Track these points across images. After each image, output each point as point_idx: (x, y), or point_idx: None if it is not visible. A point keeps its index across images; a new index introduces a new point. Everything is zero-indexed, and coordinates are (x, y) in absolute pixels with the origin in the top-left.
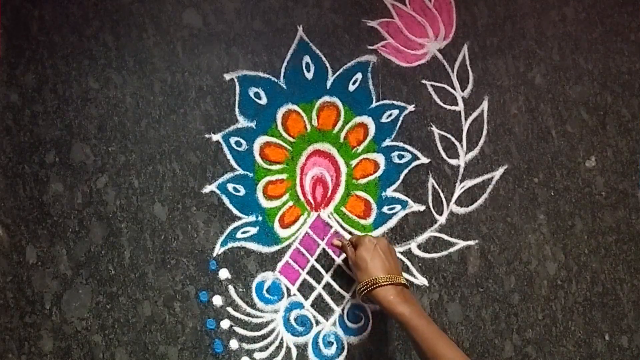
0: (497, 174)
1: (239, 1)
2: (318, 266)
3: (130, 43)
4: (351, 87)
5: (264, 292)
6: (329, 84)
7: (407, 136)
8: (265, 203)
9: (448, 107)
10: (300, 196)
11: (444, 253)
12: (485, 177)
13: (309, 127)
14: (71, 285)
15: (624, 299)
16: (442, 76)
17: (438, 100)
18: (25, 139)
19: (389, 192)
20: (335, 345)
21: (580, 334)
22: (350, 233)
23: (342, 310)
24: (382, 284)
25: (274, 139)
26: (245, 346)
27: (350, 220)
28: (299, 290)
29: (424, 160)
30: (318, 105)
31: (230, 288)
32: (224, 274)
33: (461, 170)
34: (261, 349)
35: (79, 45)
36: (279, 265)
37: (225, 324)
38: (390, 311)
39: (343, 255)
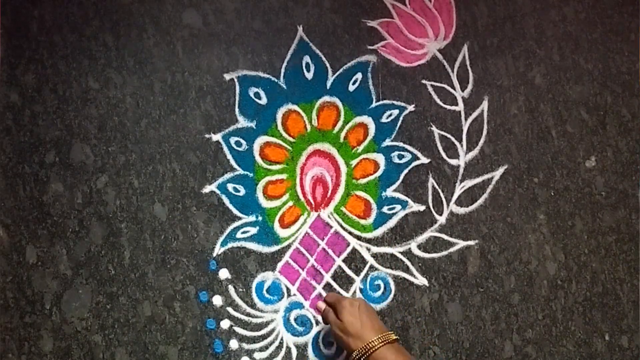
0: (497, 174)
1: (239, 1)
2: (318, 266)
3: (130, 43)
4: (351, 87)
5: (264, 292)
6: (329, 84)
7: (407, 136)
8: (265, 203)
9: (448, 107)
10: (300, 196)
11: (444, 253)
12: (485, 177)
13: (309, 127)
14: (71, 285)
15: (624, 299)
16: (442, 76)
17: (438, 100)
18: (25, 139)
19: (389, 192)
20: (335, 345)
21: (580, 334)
22: (350, 233)
23: None
24: (378, 347)
25: (274, 139)
26: (245, 346)
27: (350, 220)
28: (298, 290)
29: (424, 160)
30: (318, 105)
31: (230, 288)
32: (224, 274)
33: (461, 170)
34: (261, 349)
35: (79, 45)
36: (279, 265)
37: (225, 324)
38: None
39: (343, 256)
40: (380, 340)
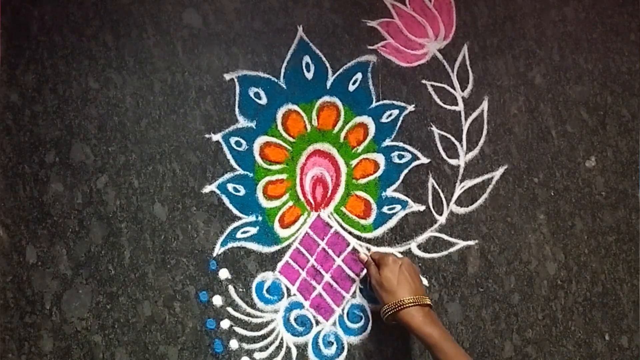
0: (497, 174)
1: (239, 1)
2: (318, 266)
3: (130, 43)
4: (351, 87)
5: (264, 292)
6: (329, 84)
7: (407, 136)
8: (265, 203)
9: (448, 107)
10: (300, 196)
11: (444, 253)
12: (485, 177)
13: (309, 127)
14: (71, 285)
15: (624, 299)
16: (442, 76)
17: (438, 100)
18: (25, 139)
19: (389, 192)
20: (335, 345)
21: (580, 334)
22: (350, 233)
23: (342, 310)
24: (408, 305)
25: (274, 139)
26: (245, 346)
27: (350, 220)
28: (298, 290)
29: (424, 160)
30: (318, 105)
31: (230, 288)
32: (224, 274)
33: (461, 170)
34: (261, 349)
35: (79, 45)
36: (279, 265)
37: (225, 324)
38: (418, 332)
39: (343, 256)
40: (412, 300)
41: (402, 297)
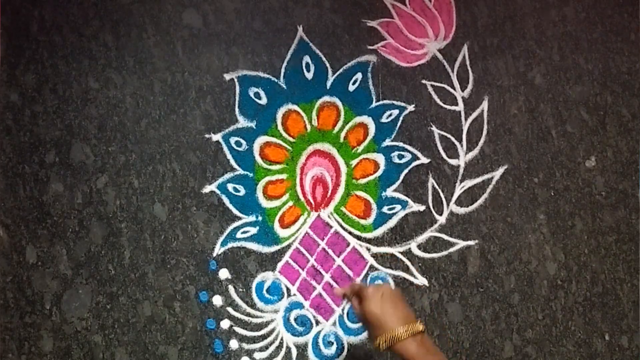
0: (497, 174)
1: (239, 1)
2: (318, 266)
3: (130, 43)
4: (351, 87)
5: (264, 292)
6: (329, 84)
7: (407, 136)
8: (265, 203)
9: (448, 107)
10: (300, 196)
11: (444, 253)
12: (485, 177)
13: (309, 127)
14: (71, 285)
15: (624, 299)
16: (442, 76)
17: (438, 100)
18: (25, 139)
19: (389, 192)
20: (335, 345)
21: (580, 334)
22: (350, 233)
23: (342, 310)
24: (402, 339)
25: (274, 139)
26: (245, 346)
27: (350, 220)
28: (298, 290)
29: (424, 160)
30: (318, 105)
31: (230, 288)
32: (224, 274)
33: (461, 170)
34: (261, 349)
35: (79, 45)
36: (279, 265)
37: (225, 324)
38: None
39: (343, 256)
40: (405, 333)
41: (392, 328)
